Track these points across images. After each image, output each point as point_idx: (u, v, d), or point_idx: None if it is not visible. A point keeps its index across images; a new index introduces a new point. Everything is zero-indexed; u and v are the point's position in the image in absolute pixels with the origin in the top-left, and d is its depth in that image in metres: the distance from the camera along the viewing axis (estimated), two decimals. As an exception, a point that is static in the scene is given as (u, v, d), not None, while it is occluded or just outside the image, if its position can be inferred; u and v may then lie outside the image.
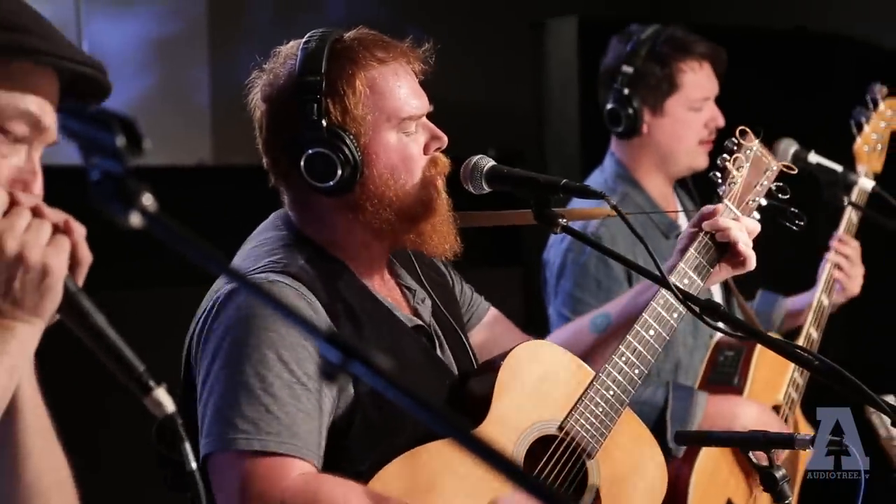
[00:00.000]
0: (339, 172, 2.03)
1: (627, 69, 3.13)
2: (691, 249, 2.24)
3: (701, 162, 3.16)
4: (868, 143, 3.19)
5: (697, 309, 2.05)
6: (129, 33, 4.86)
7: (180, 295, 2.31)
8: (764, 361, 3.02)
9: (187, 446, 1.36)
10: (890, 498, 3.12)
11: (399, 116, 2.07)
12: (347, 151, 2.03)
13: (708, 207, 2.29)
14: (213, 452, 1.93)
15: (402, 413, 1.97)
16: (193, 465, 1.38)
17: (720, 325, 2.05)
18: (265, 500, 1.88)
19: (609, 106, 3.16)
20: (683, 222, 3.22)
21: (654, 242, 3.03)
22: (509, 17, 5.15)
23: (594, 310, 2.89)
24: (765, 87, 4.72)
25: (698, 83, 3.15)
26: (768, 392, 3.05)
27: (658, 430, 2.77)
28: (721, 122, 3.16)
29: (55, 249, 1.40)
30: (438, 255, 2.15)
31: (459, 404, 2.12)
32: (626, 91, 3.13)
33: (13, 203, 1.41)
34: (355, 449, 1.99)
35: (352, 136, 2.04)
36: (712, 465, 2.87)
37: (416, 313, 2.18)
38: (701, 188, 3.17)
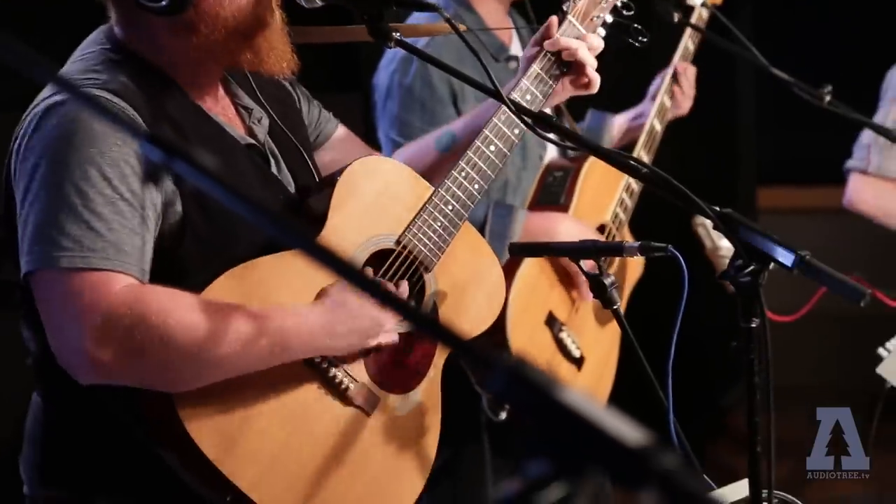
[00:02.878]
0: None
1: None
2: (534, 66, 2.24)
3: None
4: None
5: (530, 120, 2.07)
6: None
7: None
8: (591, 181, 3.09)
9: None
10: (715, 304, 3.27)
11: None
12: None
13: (551, 21, 2.29)
14: (35, 270, 1.91)
15: (232, 226, 1.99)
16: None
17: (552, 136, 2.08)
18: (89, 314, 1.86)
19: None
20: (516, 46, 3.23)
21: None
22: None
23: (419, 132, 2.90)
24: None
25: None
26: (595, 211, 3.13)
27: None
28: None
29: None
30: (276, 72, 2.10)
31: (296, 218, 2.11)
32: None
33: None
34: (187, 265, 1.98)
35: None
36: (533, 278, 2.95)
37: (250, 133, 2.16)
38: (541, 8, 3.16)
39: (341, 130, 2.39)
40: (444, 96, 3.00)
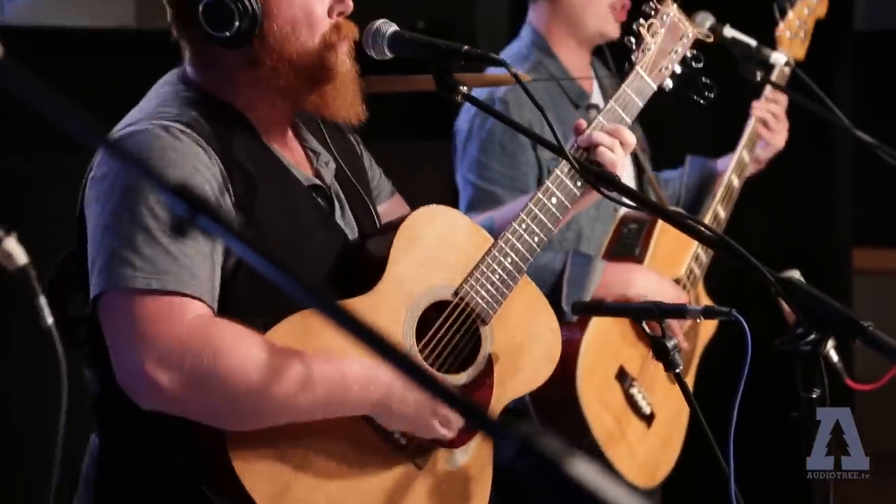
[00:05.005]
0: (237, 23, 2.01)
1: None
2: (561, 165, 2.20)
3: (611, 29, 3.13)
4: (791, 29, 3.20)
5: (593, 178, 2.06)
6: None
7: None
8: (667, 235, 3.05)
9: (42, 300, 1.31)
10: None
11: None
12: (246, 1, 2.01)
13: (581, 123, 2.26)
14: (107, 291, 1.91)
15: (290, 265, 1.98)
16: (49, 320, 1.35)
17: (615, 195, 2.06)
18: (161, 339, 1.87)
19: None
20: (596, 94, 3.22)
21: (563, 111, 3.04)
22: None
23: (498, 175, 2.90)
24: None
25: None
26: (670, 265, 3.09)
27: (555, 294, 2.82)
28: None
29: None
30: (341, 118, 2.13)
31: (355, 266, 2.12)
32: None
33: None
34: (239, 301, 1.98)
35: None
36: (605, 331, 2.91)
37: (317, 175, 2.18)
38: (619, 58, 3.16)
39: (397, 197, 2.40)
40: (525, 141, 3.00)
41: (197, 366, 1.86)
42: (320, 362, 1.93)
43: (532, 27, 3.19)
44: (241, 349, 1.88)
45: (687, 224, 1.99)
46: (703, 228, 1.99)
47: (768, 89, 3.14)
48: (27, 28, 4.37)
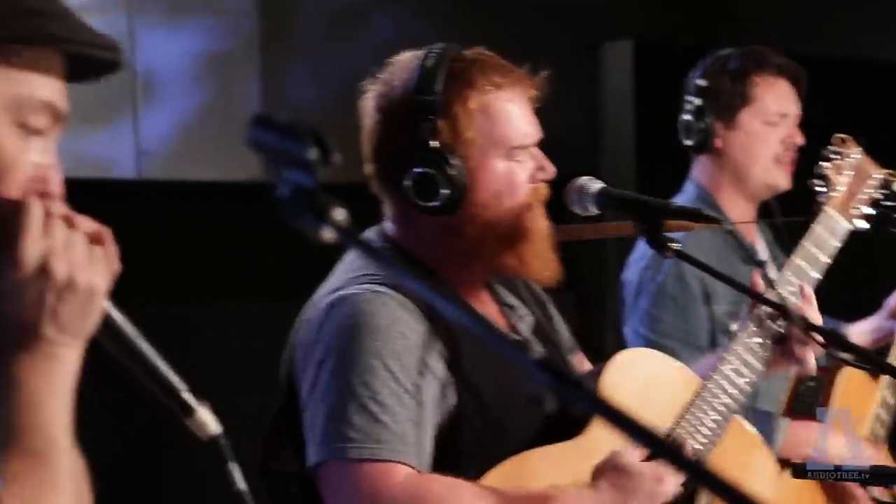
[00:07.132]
0: (443, 194, 2.03)
1: (701, 82, 3.11)
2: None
3: (780, 181, 3.10)
4: None
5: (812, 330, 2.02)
6: (181, 48, 4.85)
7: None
8: (846, 393, 2.97)
9: (233, 466, 1.32)
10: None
11: (509, 145, 2.07)
12: (454, 174, 2.03)
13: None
14: (324, 461, 1.96)
15: (506, 422, 2.02)
16: (242, 485, 1.34)
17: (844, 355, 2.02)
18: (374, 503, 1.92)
19: (682, 118, 3.14)
20: (761, 247, 3.19)
21: (732, 266, 2.99)
22: (564, 39, 5.13)
23: (671, 328, 2.86)
24: (828, 114, 4.69)
25: (774, 97, 3.11)
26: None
27: None
28: (800, 140, 3.11)
29: (96, 266, 1.31)
30: (539, 279, 2.15)
31: (561, 415, 2.09)
32: (698, 102, 3.11)
33: (47, 215, 1.30)
34: (464, 459, 2.00)
35: (460, 159, 2.04)
36: (795, 493, 2.81)
37: (514, 330, 2.18)
38: (791, 209, 3.11)
39: (579, 354, 2.38)
40: (697, 294, 2.96)
41: None
42: (534, 497, 1.95)
43: (696, 181, 3.16)
44: (457, 499, 1.91)
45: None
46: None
47: None
48: (162, 182, 4.49)
